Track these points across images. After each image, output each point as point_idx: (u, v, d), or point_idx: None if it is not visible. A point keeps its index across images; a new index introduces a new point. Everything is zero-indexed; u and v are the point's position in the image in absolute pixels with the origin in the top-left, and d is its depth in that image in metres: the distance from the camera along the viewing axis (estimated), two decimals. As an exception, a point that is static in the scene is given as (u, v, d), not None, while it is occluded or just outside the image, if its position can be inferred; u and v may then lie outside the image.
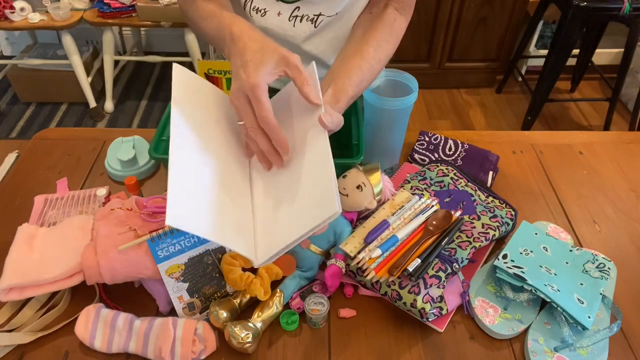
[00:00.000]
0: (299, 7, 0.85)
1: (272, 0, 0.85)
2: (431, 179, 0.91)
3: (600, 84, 2.96)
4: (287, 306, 0.74)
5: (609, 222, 0.92)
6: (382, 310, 0.76)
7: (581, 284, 0.76)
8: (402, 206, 0.82)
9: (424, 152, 1.02)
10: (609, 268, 0.78)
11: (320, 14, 0.85)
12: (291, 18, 0.86)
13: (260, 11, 0.86)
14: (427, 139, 1.05)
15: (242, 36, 0.64)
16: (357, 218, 0.83)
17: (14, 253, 0.74)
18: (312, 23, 0.86)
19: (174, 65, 0.71)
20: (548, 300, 0.72)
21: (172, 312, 0.73)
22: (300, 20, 0.86)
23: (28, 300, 0.75)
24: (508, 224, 0.84)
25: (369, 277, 0.73)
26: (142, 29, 3.00)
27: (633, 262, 0.85)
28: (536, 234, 0.83)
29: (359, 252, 0.75)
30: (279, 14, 0.86)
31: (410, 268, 0.71)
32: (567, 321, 0.72)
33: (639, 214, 0.93)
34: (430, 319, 0.73)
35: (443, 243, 0.76)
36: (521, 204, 0.94)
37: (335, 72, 0.75)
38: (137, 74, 3.01)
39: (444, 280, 0.72)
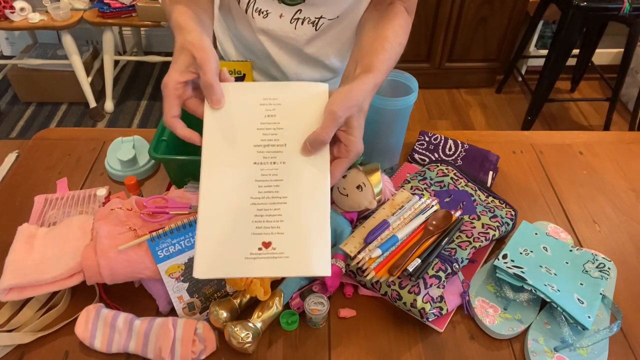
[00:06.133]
0: (300, 10, 0.85)
1: (274, 3, 0.85)
2: (431, 179, 0.91)
3: (600, 84, 2.96)
4: (287, 306, 0.74)
5: (609, 222, 0.92)
6: (382, 310, 0.76)
7: (581, 284, 0.76)
8: (402, 206, 0.82)
9: (424, 152, 1.02)
10: (609, 268, 0.78)
11: (321, 17, 0.85)
12: (293, 20, 0.86)
13: (262, 13, 0.86)
14: (427, 139, 1.05)
15: (184, 28, 0.61)
16: (357, 218, 0.83)
17: (14, 253, 0.74)
18: (313, 26, 0.87)
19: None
20: (548, 300, 0.72)
21: (172, 312, 0.73)
22: (302, 23, 0.86)
23: (28, 300, 0.75)
24: (508, 224, 0.84)
25: (369, 277, 0.73)
26: (142, 29, 3.00)
27: (633, 262, 0.85)
28: (536, 234, 0.83)
29: (359, 252, 0.75)
30: (280, 16, 0.86)
31: (410, 268, 0.71)
32: (567, 321, 0.72)
33: (639, 214, 0.93)
34: (430, 319, 0.72)
35: (443, 243, 0.76)
36: (521, 204, 0.94)
37: (357, 55, 0.71)
38: (137, 74, 3.00)
39: (444, 280, 0.72)
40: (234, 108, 0.59)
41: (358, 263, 0.74)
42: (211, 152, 0.57)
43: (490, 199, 0.88)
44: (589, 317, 0.71)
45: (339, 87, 0.64)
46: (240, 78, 1.06)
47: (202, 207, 0.55)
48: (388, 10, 0.78)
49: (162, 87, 0.58)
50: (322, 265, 0.54)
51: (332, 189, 0.80)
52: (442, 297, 0.72)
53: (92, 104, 2.60)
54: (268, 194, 0.56)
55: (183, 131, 0.58)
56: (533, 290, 0.73)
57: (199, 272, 0.54)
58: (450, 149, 1.03)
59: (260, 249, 0.54)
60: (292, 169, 0.57)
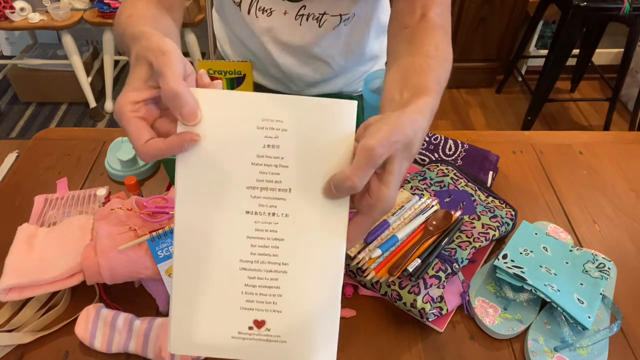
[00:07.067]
0: (305, 6, 0.85)
1: (278, 0, 0.85)
2: (431, 179, 0.91)
3: (600, 84, 2.96)
4: (287, 306, 0.74)
5: (609, 222, 0.92)
6: (382, 310, 0.76)
7: (581, 284, 0.76)
8: (402, 206, 0.82)
9: (424, 152, 1.02)
10: (609, 268, 0.78)
11: (324, 13, 0.85)
12: (297, 17, 0.86)
13: (266, 11, 0.87)
14: (427, 139, 1.05)
15: (138, 36, 0.46)
16: (357, 218, 0.83)
17: (14, 253, 0.74)
18: (317, 22, 0.87)
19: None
20: (548, 300, 0.72)
21: (172, 312, 0.73)
22: (307, 19, 0.86)
23: (28, 300, 0.75)
24: (508, 224, 0.84)
25: (369, 277, 0.73)
26: (142, 29, 3.00)
27: (633, 262, 0.85)
28: (536, 234, 0.83)
29: (359, 252, 0.75)
30: (285, 13, 0.86)
31: (410, 268, 0.71)
32: (567, 321, 0.72)
33: (639, 214, 0.93)
34: (430, 319, 0.73)
35: (443, 243, 0.76)
36: (521, 204, 0.94)
37: (399, 77, 0.57)
38: (137, 74, 3.00)
39: (444, 281, 0.72)
40: (219, 129, 0.43)
41: (358, 263, 0.74)
42: (188, 192, 0.44)
43: (490, 199, 0.88)
44: (589, 317, 0.71)
45: (382, 113, 0.50)
46: (240, 79, 1.06)
47: (177, 269, 0.44)
48: (420, 25, 0.66)
49: (115, 113, 0.43)
50: (326, 356, 0.44)
51: None
52: (442, 297, 0.72)
53: (92, 104, 2.60)
54: (264, 257, 0.44)
55: (168, 142, 0.43)
56: (533, 290, 0.73)
57: (175, 347, 0.44)
58: (450, 149, 1.03)
59: (251, 328, 0.44)
60: (297, 226, 0.44)
